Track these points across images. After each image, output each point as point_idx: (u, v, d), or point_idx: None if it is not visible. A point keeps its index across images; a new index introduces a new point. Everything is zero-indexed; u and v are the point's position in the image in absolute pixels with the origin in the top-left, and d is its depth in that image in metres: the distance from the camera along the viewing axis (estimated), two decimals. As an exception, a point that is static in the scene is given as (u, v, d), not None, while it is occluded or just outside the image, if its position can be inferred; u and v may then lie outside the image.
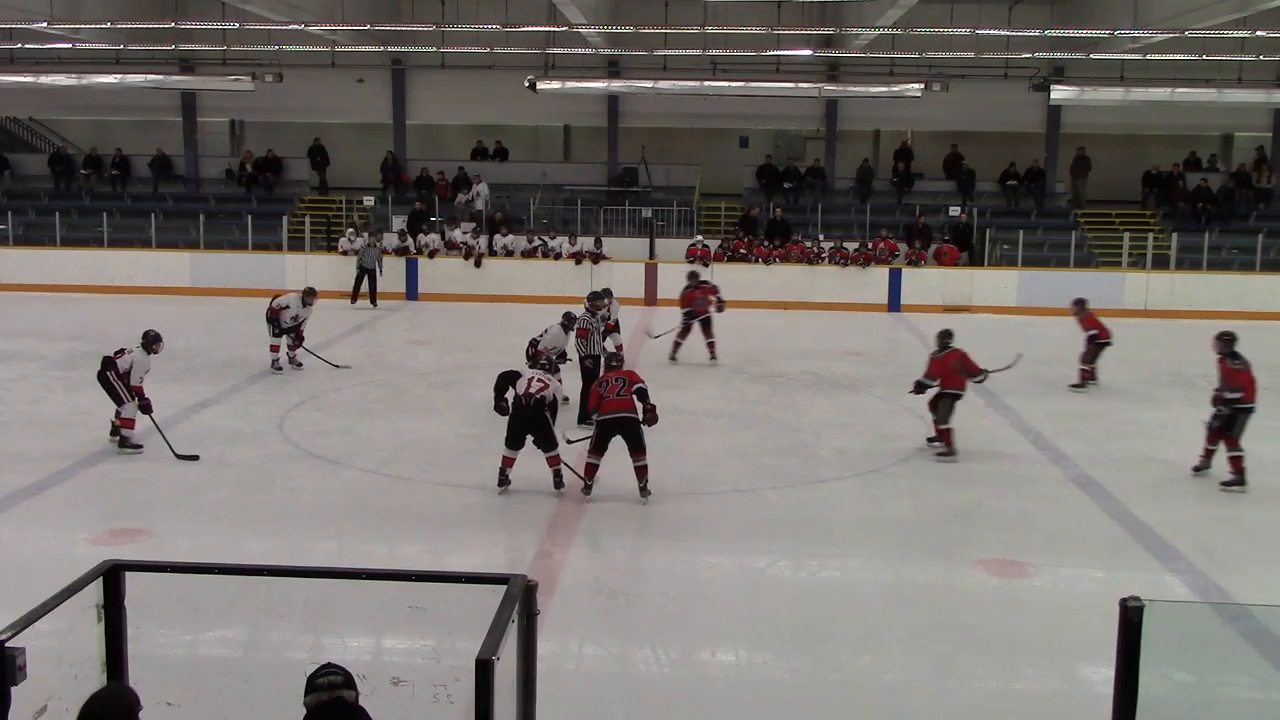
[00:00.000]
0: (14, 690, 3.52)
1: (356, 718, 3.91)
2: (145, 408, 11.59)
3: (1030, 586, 8.36)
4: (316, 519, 9.71)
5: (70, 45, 23.96)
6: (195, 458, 11.32)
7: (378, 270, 22.77)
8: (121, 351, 11.81)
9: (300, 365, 15.93)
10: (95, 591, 4.04)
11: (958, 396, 11.87)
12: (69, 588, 3.91)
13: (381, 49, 24.84)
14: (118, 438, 11.62)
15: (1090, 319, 15.67)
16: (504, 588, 3.93)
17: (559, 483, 10.27)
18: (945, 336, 12.22)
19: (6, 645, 3.50)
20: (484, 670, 3.44)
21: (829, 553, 9.19)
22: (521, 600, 3.92)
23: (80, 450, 11.54)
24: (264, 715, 5.71)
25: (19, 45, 24.07)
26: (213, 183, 28.53)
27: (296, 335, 15.78)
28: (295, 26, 21.08)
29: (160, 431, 11.55)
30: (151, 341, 11.90)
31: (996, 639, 7.45)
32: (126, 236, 25.19)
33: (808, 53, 24.67)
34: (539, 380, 10.24)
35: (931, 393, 12.02)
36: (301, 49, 23.73)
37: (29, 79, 25.01)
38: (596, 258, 23.80)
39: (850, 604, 8.07)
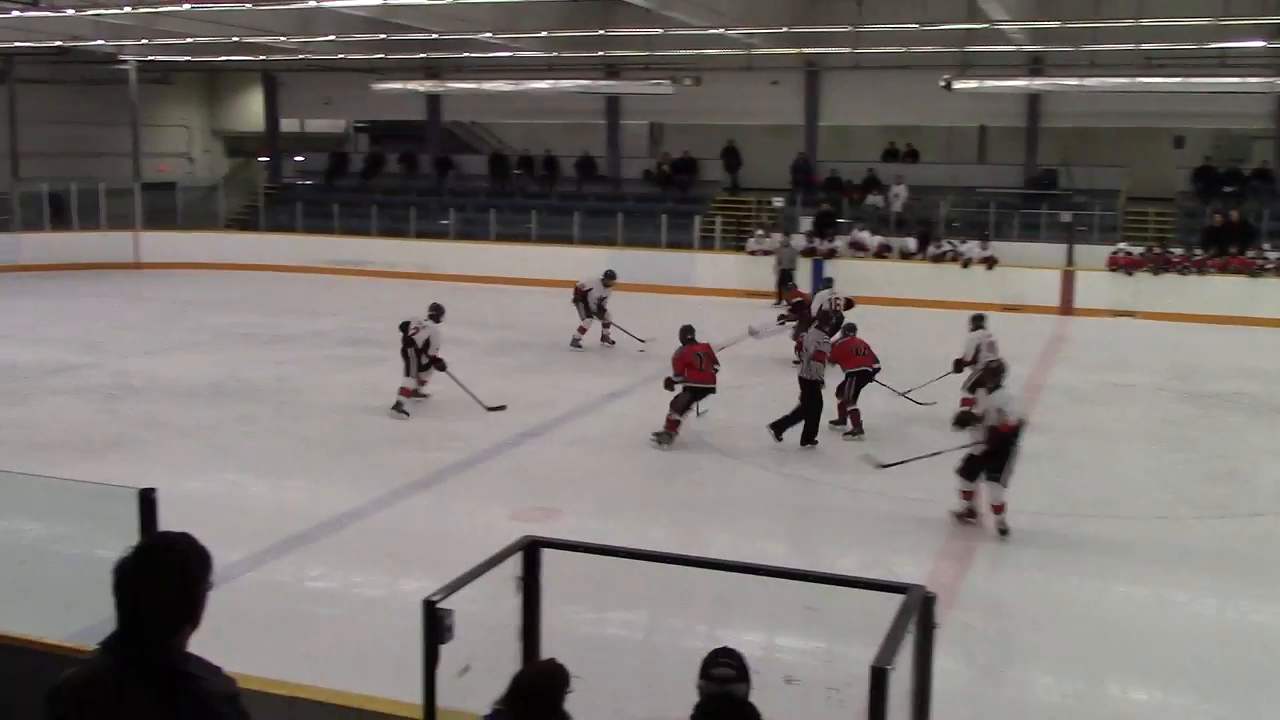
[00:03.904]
0: (442, 648, 3.79)
1: (744, 712, 3.92)
2: (441, 365, 13.09)
3: None
4: (717, 512, 9.93)
5: (509, 54, 25.82)
6: (503, 408, 13.18)
7: (794, 270, 23.02)
8: (408, 324, 13.23)
9: (613, 343, 17.55)
10: (515, 564, 4.28)
11: None
12: (492, 559, 4.16)
13: (797, 51, 25.03)
14: (397, 404, 13.09)
15: None
16: (902, 597, 3.82)
17: (964, 516, 9.71)
18: None
19: (437, 606, 3.77)
20: (879, 678, 3.35)
21: (1264, 594, 8.33)
22: (920, 611, 3.79)
23: (505, 432, 12.41)
24: (660, 696, 5.88)
25: (466, 55, 26.20)
26: (632, 182, 29.80)
27: (602, 313, 17.48)
28: (715, 31, 21.64)
29: (464, 388, 13.19)
30: (439, 313, 13.39)
31: None
32: (552, 233, 26.86)
33: (1259, 44, 22.45)
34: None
35: None
36: (719, 53, 24.33)
37: (473, 85, 27.36)
38: (989, 262, 22.85)
39: (1286, 652, 7.28)
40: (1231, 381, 15.80)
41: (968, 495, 9.54)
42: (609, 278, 17.72)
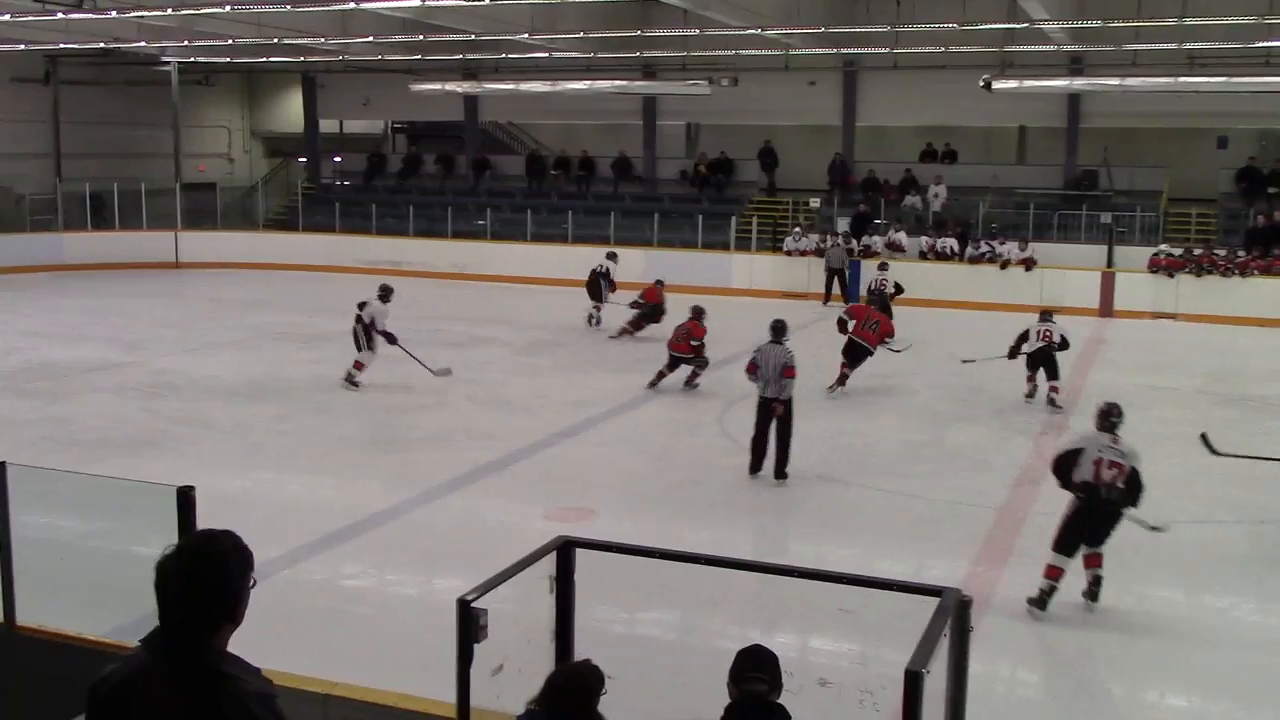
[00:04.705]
0: (476, 647, 3.81)
1: (774, 715, 3.91)
2: (391, 339, 14.28)
3: None
4: (748, 513, 9.91)
5: (546, 55, 25.87)
6: (448, 371, 14.41)
7: (845, 270, 23.21)
8: (365, 304, 14.44)
9: (599, 324, 19.31)
10: (549, 564, 4.30)
11: None
12: (526, 559, 4.18)
13: (834, 51, 24.91)
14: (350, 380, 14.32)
15: None
16: (937, 600, 3.79)
17: (1094, 593, 7.87)
18: None
19: (472, 605, 3.79)
20: (913, 682, 3.33)
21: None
22: (955, 614, 3.77)
23: (539, 431, 12.45)
24: (693, 698, 5.87)
25: (503, 56, 26.28)
26: (668, 183, 29.80)
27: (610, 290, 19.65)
28: (752, 31, 21.59)
29: (412, 355, 14.28)
30: (387, 293, 14.59)
31: None
32: (589, 233, 26.90)
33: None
34: (1114, 464, 7.80)
35: None
36: (756, 53, 24.28)
37: (511, 86, 27.46)
38: (1028, 264, 22.68)
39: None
40: (1273, 385, 15.61)
41: (1055, 574, 7.76)
42: (611, 257, 20.39)
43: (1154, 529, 8.04)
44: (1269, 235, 22.60)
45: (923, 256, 24.10)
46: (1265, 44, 21.02)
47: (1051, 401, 14.11)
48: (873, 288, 19.21)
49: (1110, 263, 23.02)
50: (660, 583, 7.21)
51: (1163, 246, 22.70)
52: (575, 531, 4.54)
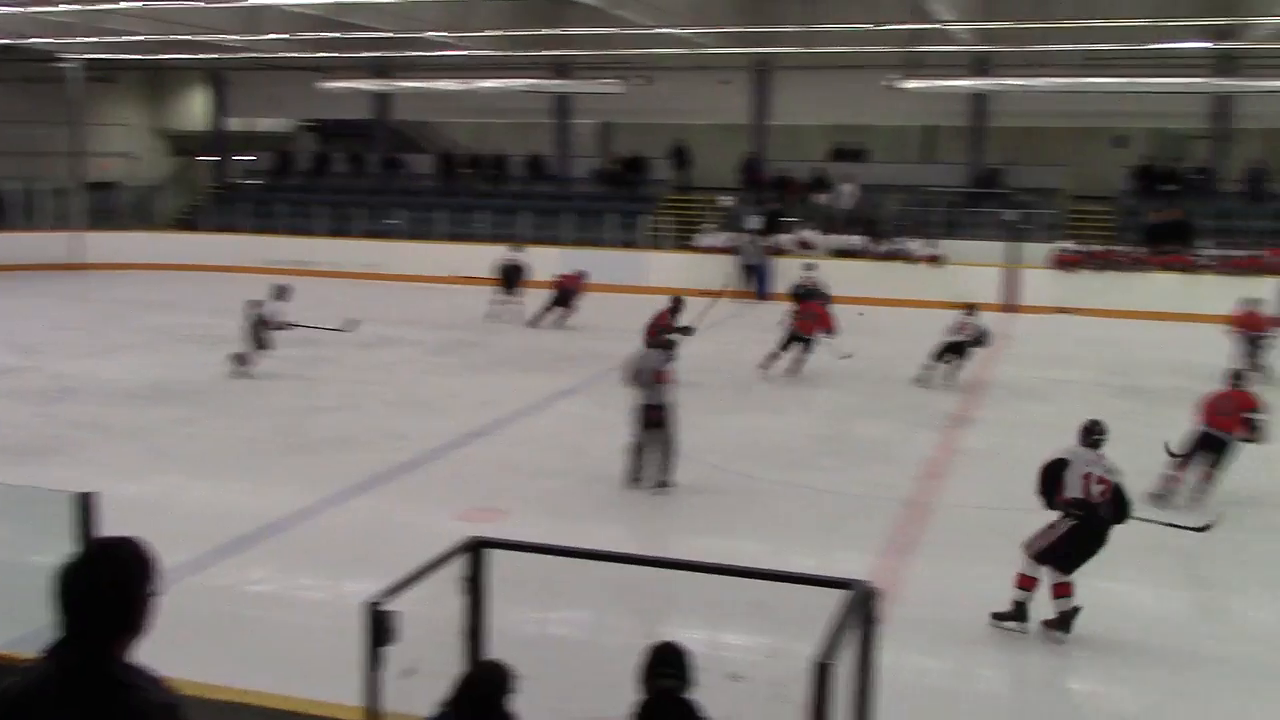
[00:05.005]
0: (385, 651, 3.78)
1: (685, 710, 3.94)
2: (290, 326, 15.08)
3: None
4: (662, 511, 9.94)
5: (458, 53, 25.71)
6: (357, 323, 15.75)
7: (764, 267, 23.74)
8: (260, 302, 15.12)
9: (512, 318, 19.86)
10: (460, 565, 4.28)
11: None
12: (436, 560, 4.15)
13: (746, 50, 25.11)
14: (237, 363, 14.88)
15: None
16: (846, 592, 3.85)
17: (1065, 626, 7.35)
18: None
19: (381, 609, 3.76)
20: (821, 673, 3.38)
21: (1197, 580, 8.48)
22: (863, 606, 3.83)
23: (451, 431, 12.37)
24: (605, 696, 5.89)
25: (414, 54, 26.06)
26: (581, 181, 29.79)
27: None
28: (665, 30, 21.69)
29: (307, 326, 15.20)
30: (283, 291, 15.28)
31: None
32: (501, 232, 26.77)
33: (1201, 45, 22.79)
34: (1102, 479, 7.49)
35: None
36: (669, 52, 24.37)
37: (422, 84, 27.22)
38: (934, 260, 23.10)
39: (1227, 639, 7.40)
40: (1169, 376, 16.08)
41: (1029, 584, 7.45)
42: (519, 250, 21.65)
43: (1200, 529, 8.02)
44: (1164, 232, 23.31)
45: (833, 253, 24.44)
46: (1160, 45, 21.66)
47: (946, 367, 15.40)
48: (800, 285, 19.10)
49: (1014, 259, 23.53)
50: (573, 581, 7.21)
51: (1064, 243, 23.28)
52: (487, 532, 4.52)
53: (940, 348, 15.20)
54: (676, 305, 14.96)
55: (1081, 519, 7.29)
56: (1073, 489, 7.39)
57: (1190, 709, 6.61)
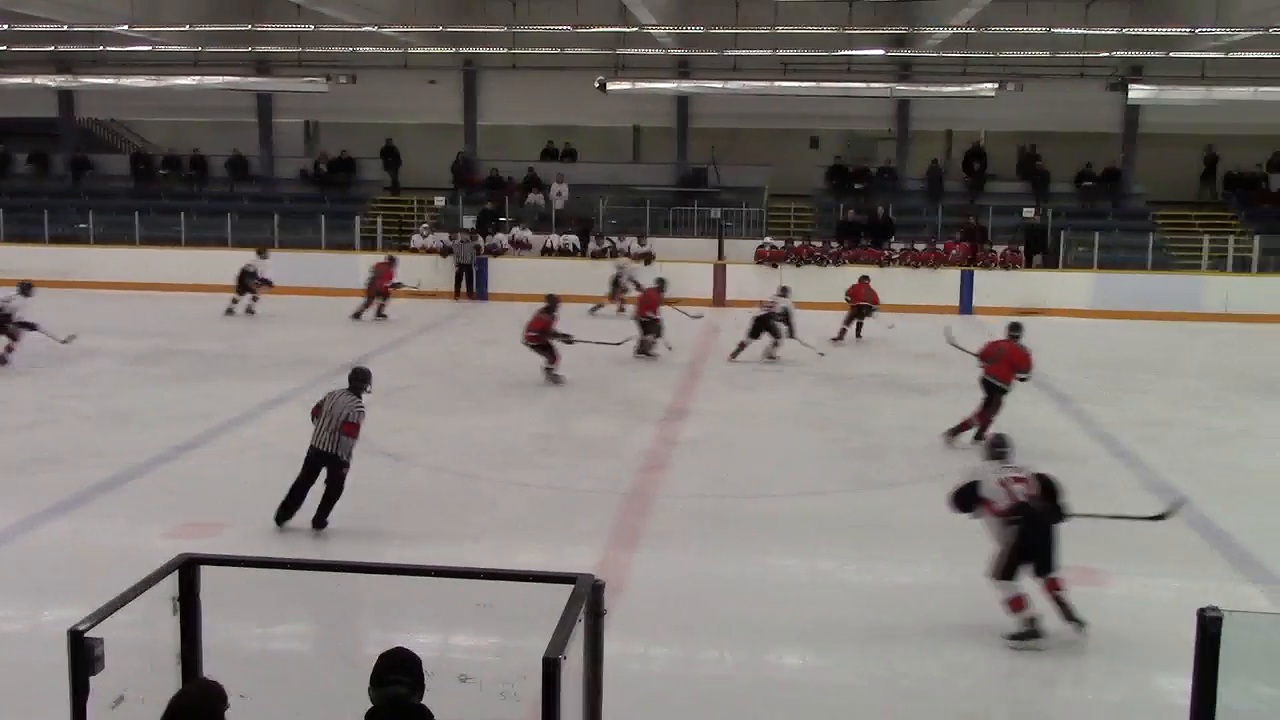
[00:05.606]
0: (92, 680, 3.58)
1: (415, 717, 3.93)
2: (33, 327, 15.46)
3: (1105, 595, 8.16)
4: (386, 516, 9.79)
5: (150, 48, 24.41)
6: (75, 337, 15.74)
7: (473, 266, 23.88)
8: (9, 299, 15.54)
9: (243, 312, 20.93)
10: (171, 584, 4.10)
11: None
12: (145, 580, 3.97)
13: (453, 50, 25.00)
14: None
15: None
16: (571, 587, 3.93)
17: (1070, 615, 7.34)
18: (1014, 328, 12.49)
19: (85, 635, 3.56)
20: (550, 669, 3.44)
21: (900, 557, 9.08)
22: (589, 599, 3.92)
23: (158, 445, 11.75)
24: (332, 708, 5.77)
25: (101, 48, 24.57)
26: (287, 183, 28.90)
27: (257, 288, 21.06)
28: (368, 28, 21.32)
29: (40, 329, 15.43)
30: (26, 288, 15.76)
31: (1070, 647, 7.30)
32: (204, 235, 25.65)
33: (880, 52, 24.43)
34: (1017, 478, 7.44)
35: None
36: (375, 50, 23.97)
37: (110, 81, 25.61)
38: (645, 258, 23.78)
39: (921, 609, 7.96)
40: (866, 364, 17.14)
41: (1017, 605, 7.26)
42: (261, 251, 22.10)
43: (1158, 518, 7.83)
44: (856, 228, 24.93)
45: (546, 253, 24.74)
46: (846, 53, 23.11)
47: (771, 358, 17.00)
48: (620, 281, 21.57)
49: (720, 255, 24.46)
50: (295, 594, 7.02)
51: (767, 239, 24.43)
52: (204, 548, 4.35)
53: (751, 326, 16.99)
54: (552, 306, 15.07)
55: (1021, 523, 7.23)
56: (999, 499, 7.32)
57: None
